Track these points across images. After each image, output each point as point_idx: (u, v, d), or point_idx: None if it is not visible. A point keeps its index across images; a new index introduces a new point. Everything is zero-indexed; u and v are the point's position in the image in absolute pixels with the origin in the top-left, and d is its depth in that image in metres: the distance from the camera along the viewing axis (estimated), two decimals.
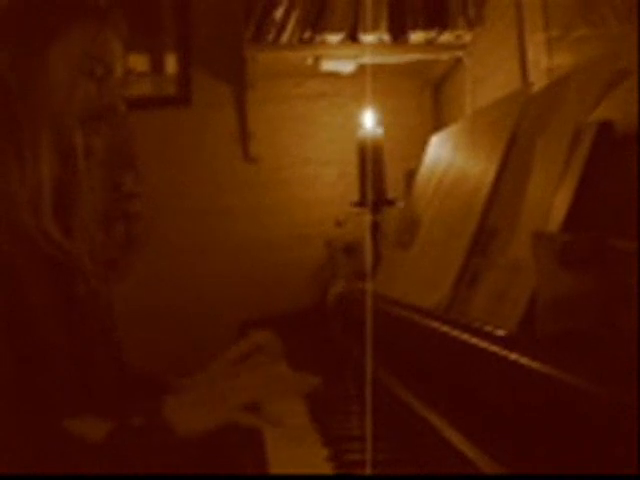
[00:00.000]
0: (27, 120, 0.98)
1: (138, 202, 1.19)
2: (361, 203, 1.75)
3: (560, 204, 0.75)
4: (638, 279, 0.58)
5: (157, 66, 2.14)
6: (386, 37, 1.83)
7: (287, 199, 2.16)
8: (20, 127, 0.97)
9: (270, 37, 1.84)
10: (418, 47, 1.87)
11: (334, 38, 1.84)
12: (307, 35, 1.83)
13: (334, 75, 2.02)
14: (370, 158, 1.67)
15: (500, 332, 0.73)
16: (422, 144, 1.43)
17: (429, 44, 1.86)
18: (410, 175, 1.50)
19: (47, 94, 0.99)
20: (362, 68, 1.93)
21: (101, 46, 1.04)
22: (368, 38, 1.82)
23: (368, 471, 0.77)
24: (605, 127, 0.75)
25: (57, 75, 1.00)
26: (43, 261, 0.97)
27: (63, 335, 0.96)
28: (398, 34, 1.82)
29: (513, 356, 0.64)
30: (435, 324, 0.87)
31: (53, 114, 0.99)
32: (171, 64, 2.13)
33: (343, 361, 1.27)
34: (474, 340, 0.74)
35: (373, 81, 1.63)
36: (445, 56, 1.91)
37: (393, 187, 1.76)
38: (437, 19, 1.80)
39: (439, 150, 1.30)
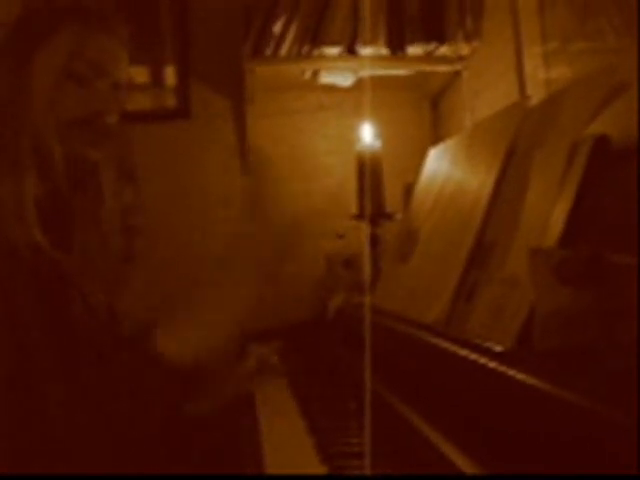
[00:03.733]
0: (9, 130, 0.97)
1: (138, 215, 1.19)
2: (360, 216, 1.74)
3: (557, 218, 0.75)
4: (637, 294, 0.58)
5: (156, 79, 2.14)
6: (384, 50, 1.83)
7: (286, 212, 2.15)
8: (4, 138, 0.97)
9: (269, 50, 1.84)
10: (416, 60, 1.88)
11: (333, 51, 1.85)
12: (306, 48, 1.84)
13: (333, 88, 2.03)
14: (369, 171, 1.66)
15: (498, 347, 0.72)
16: (420, 157, 1.43)
17: (427, 57, 1.87)
18: (408, 188, 1.50)
19: (29, 102, 0.99)
20: (360, 81, 1.93)
21: (94, 49, 1.03)
22: (366, 51, 1.83)
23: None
24: (602, 141, 0.75)
25: (40, 80, 0.99)
26: (32, 278, 0.92)
27: (53, 355, 0.91)
28: (396, 47, 1.83)
29: (511, 371, 0.64)
30: (433, 339, 0.87)
31: (34, 122, 0.99)
32: (170, 77, 2.14)
33: (342, 374, 1.27)
34: (472, 355, 0.74)
35: (372, 94, 1.63)
36: (443, 69, 1.91)
37: (392, 200, 1.76)
38: (435, 32, 1.81)
39: (437, 163, 1.30)
